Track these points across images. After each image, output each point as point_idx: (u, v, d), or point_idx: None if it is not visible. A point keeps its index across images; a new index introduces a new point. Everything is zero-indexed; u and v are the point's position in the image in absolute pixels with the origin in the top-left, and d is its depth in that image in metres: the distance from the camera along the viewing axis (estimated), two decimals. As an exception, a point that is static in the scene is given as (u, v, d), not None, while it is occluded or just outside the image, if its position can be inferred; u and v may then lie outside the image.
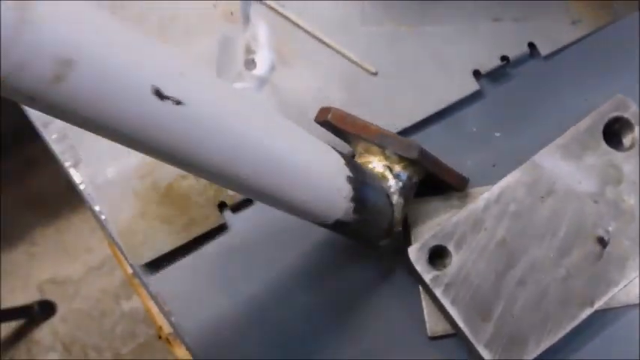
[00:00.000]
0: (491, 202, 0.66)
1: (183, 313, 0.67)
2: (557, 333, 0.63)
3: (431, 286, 0.64)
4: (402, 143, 0.61)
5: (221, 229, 0.68)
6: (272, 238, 0.68)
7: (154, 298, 0.67)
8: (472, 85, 0.70)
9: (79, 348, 1.58)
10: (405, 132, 0.71)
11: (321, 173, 0.50)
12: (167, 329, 0.66)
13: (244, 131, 0.42)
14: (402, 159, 0.62)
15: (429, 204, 0.69)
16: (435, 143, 0.70)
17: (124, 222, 0.67)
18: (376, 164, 0.63)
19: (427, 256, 0.64)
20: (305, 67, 0.70)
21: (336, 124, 0.63)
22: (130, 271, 0.66)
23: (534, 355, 0.63)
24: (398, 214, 0.62)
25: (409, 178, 0.63)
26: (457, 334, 0.66)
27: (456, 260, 0.64)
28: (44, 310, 1.65)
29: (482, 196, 0.66)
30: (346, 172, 0.53)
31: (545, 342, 0.63)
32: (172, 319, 0.67)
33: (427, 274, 0.64)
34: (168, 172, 0.68)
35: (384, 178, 0.62)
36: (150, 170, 0.68)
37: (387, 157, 0.62)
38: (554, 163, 0.67)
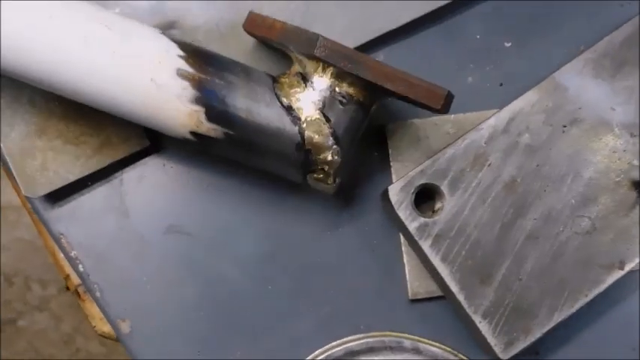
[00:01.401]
0: (498, 132, 0.51)
1: (95, 262, 0.53)
2: (575, 302, 0.49)
3: (416, 236, 0.49)
4: (300, 37, 0.45)
5: (146, 152, 0.52)
6: (216, 167, 0.52)
7: (56, 240, 0.52)
8: None
9: (21, 280, 1.44)
10: (386, 38, 0.55)
11: (135, 66, 0.44)
12: (76, 279, 0.51)
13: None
14: (325, 66, 0.46)
15: (415, 128, 0.53)
16: (426, 54, 0.56)
17: (15, 141, 0.51)
18: (289, 75, 0.48)
19: (412, 197, 0.50)
20: None
21: (251, 32, 0.50)
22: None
23: (545, 330, 0.49)
24: (318, 138, 0.46)
25: (332, 89, 0.46)
26: (447, 298, 0.52)
27: (449, 205, 0.50)
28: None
29: (487, 123, 0.51)
30: (176, 65, 0.45)
31: (559, 313, 0.49)
32: (80, 268, 0.52)
33: (412, 222, 0.49)
34: (77, 76, 0.51)
35: (290, 86, 0.47)
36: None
37: (300, 62, 0.48)
38: (580, 82, 0.52)
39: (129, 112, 0.46)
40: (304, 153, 0.46)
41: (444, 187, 0.50)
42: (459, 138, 0.51)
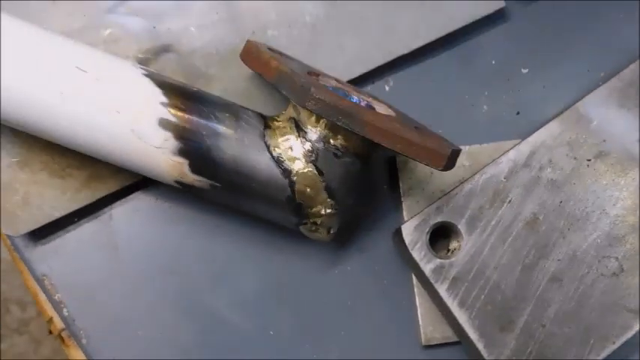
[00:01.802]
0: (519, 166, 0.47)
1: (81, 306, 0.49)
2: (602, 349, 0.46)
3: (432, 279, 0.46)
4: (293, 84, 0.41)
5: (137, 186, 0.48)
6: (212, 205, 0.48)
7: (38, 281, 0.48)
8: (494, 1, 0.49)
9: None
10: (396, 63, 0.51)
11: (114, 117, 0.41)
12: (60, 323, 0.46)
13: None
14: (319, 116, 0.42)
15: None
16: (439, 80, 0.53)
17: (-4, 174, 0.47)
18: (282, 119, 0.44)
19: (427, 237, 0.46)
20: None
21: (246, 64, 0.46)
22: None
23: (570, 381, 0.45)
24: (310, 192, 0.42)
25: (325, 141, 0.42)
26: (463, 344, 0.48)
27: (467, 245, 0.46)
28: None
29: (506, 156, 0.48)
30: (158, 114, 0.42)
31: (585, 363, 0.45)
32: (65, 312, 0.48)
33: (427, 263, 0.46)
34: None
35: (282, 133, 0.43)
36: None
37: (294, 107, 0.44)
38: (605, 113, 0.49)
39: (113, 160, 0.43)
40: (295, 205, 0.43)
41: (461, 226, 0.46)
42: (476, 173, 0.47)
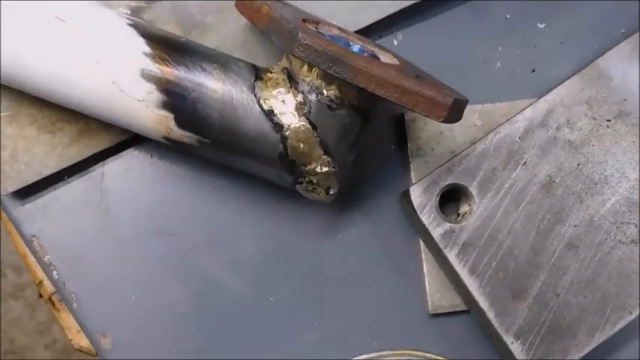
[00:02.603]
0: (535, 125, 0.45)
1: (72, 268, 0.46)
2: (618, 320, 0.44)
3: (441, 244, 0.43)
4: (282, 30, 0.38)
5: (130, 143, 0.45)
6: (209, 163, 0.46)
7: (27, 242, 0.46)
8: None
9: (-7, 266, 1.37)
10: (404, 17, 0.48)
11: (95, 68, 0.39)
12: (50, 286, 0.44)
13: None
14: (310, 65, 0.39)
15: (439, 122, 0.47)
16: (450, 36, 0.50)
17: (-19, 128, 0.44)
18: (276, 70, 0.41)
19: (437, 200, 0.43)
20: None
21: (240, 11, 0.43)
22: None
23: (585, 352, 0.43)
24: (303, 147, 0.40)
25: (318, 92, 0.39)
26: (472, 313, 0.46)
27: (479, 208, 0.44)
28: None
29: (522, 115, 0.45)
30: (141, 65, 0.39)
31: (601, 333, 0.44)
32: (55, 275, 0.45)
33: (436, 227, 0.43)
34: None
35: (274, 85, 0.40)
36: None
37: (287, 56, 0.41)
38: (627, 70, 0.46)
39: (97, 115, 0.41)
40: (289, 163, 0.40)
41: (472, 189, 0.44)
42: (490, 132, 0.45)
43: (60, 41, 0.39)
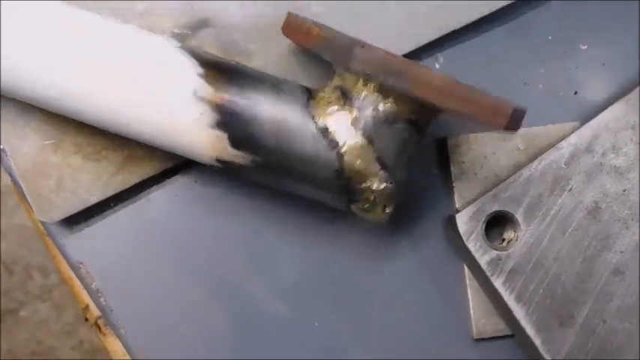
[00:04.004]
0: (580, 151, 0.44)
1: (119, 295, 0.47)
2: (666, 347, 0.43)
3: (488, 272, 0.43)
4: (336, 46, 0.39)
5: (175, 170, 0.46)
6: (255, 186, 0.46)
7: (74, 269, 0.46)
8: None
9: (22, 269, 1.38)
10: (446, 39, 0.48)
11: (146, 90, 0.39)
12: (96, 310, 0.45)
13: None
14: (366, 79, 0.39)
15: (481, 143, 0.47)
16: (491, 57, 0.49)
17: (28, 157, 0.44)
18: (328, 89, 0.41)
19: (483, 227, 0.43)
20: None
21: (288, 36, 0.43)
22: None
23: (632, 379, 0.43)
24: (360, 164, 0.39)
25: (375, 107, 0.39)
26: (517, 338, 0.46)
27: (525, 235, 0.44)
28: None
29: (567, 141, 0.45)
30: (193, 86, 0.39)
31: (647, 359, 0.43)
32: (102, 300, 0.46)
33: (482, 255, 0.43)
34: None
35: (327, 103, 0.40)
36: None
37: (340, 74, 0.40)
38: (674, 93, 0.45)
39: (148, 139, 0.41)
40: (345, 181, 0.39)
41: (519, 215, 0.44)
42: (534, 156, 0.45)
43: (112, 69, 0.39)
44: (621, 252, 0.44)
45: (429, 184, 0.48)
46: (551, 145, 0.46)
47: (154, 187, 0.47)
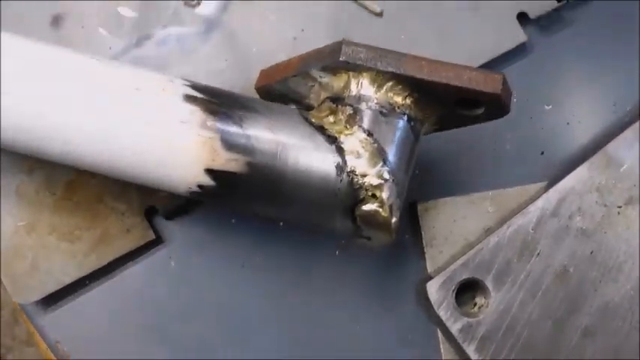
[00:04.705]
0: (547, 215, 0.45)
1: (96, 371, 0.46)
2: (638, 406, 0.44)
3: (459, 339, 0.44)
4: (321, 53, 0.39)
5: (150, 245, 0.46)
6: (229, 259, 0.47)
7: (52, 347, 0.46)
8: (516, 35, 0.49)
9: (9, 313, 1.36)
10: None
11: (134, 94, 0.37)
12: (74, 387, 0.45)
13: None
14: (355, 74, 0.39)
15: (450, 207, 0.47)
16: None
17: (4, 239, 0.45)
18: (320, 105, 0.41)
19: (454, 295, 0.44)
20: (276, 3, 0.49)
21: (265, 86, 0.43)
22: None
23: None
24: (359, 149, 0.37)
25: (367, 100, 0.39)
26: (493, 403, 0.46)
27: (496, 301, 0.44)
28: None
29: (534, 205, 0.46)
30: (182, 91, 0.38)
31: (620, 419, 0.44)
32: (80, 377, 0.46)
33: (454, 323, 0.44)
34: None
35: (319, 111, 0.40)
36: (41, 162, 0.45)
37: (325, 87, 0.41)
38: (636, 155, 0.46)
39: (133, 150, 0.38)
40: (347, 177, 0.37)
41: (488, 282, 0.45)
42: (502, 221, 0.45)
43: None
44: (590, 314, 0.44)
45: (401, 248, 0.48)
46: (521, 207, 0.46)
47: (129, 263, 0.47)
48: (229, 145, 0.37)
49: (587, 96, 0.51)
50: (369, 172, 0.37)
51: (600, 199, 0.46)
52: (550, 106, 0.50)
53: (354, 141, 0.37)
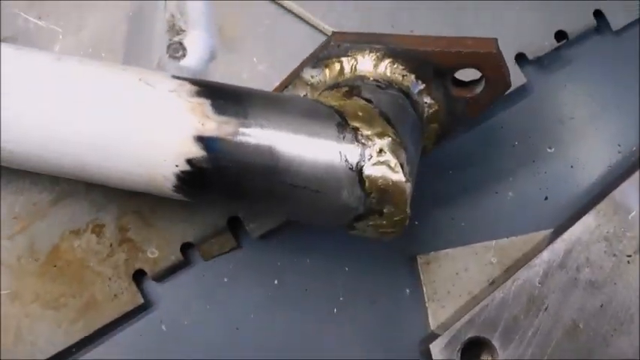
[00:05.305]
0: (554, 268, 0.43)
1: None
2: None
3: (467, 403, 0.41)
4: (318, 49, 0.41)
5: (139, 309, 0.44)
6: (217, 325, 0.46)
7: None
8: (514, 76, 0.46)
9: None
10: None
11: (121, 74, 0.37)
12: None
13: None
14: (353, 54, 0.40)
15: (452, 260, 0.46)
16: (458, 163, 0.48)
17: (-17, 310, 0.43)
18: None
19: (459, 356, 0.42)
20: (262, 52, 0.47)
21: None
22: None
23: None
24: (360, 112, 0.35)
25: (362, 77, 0.39)
26: None
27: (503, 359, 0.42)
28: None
29: (540, 258, 0.44)
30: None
31: None
32: None
33: (461, 386, 0.42)
34: (52, 226, 0.43)
35: (320, 95, 0.40)
36: (24, 225, 0.43)
37: (315, 87, 0.41)
38: (645, 201, 0.44)
39: (120, 127, 0.35)
40: (350, 134, 0.34)
41: (495, 341, 0.42)
42: (507, 275, 0.43)
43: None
44: (603, 370, 0.42)
45: (401, 305, 0.46)
46: (526, 257, 0.45)
47: (118, 329, 0.45)
48: (220, 107, 0.35)
49: (590, 136, 0.49)
50: (372, 131, 0.34)
51: (609, 249, 0.44)
52: (553, 149, 0.48)
53: (353, 105, 0.36)
